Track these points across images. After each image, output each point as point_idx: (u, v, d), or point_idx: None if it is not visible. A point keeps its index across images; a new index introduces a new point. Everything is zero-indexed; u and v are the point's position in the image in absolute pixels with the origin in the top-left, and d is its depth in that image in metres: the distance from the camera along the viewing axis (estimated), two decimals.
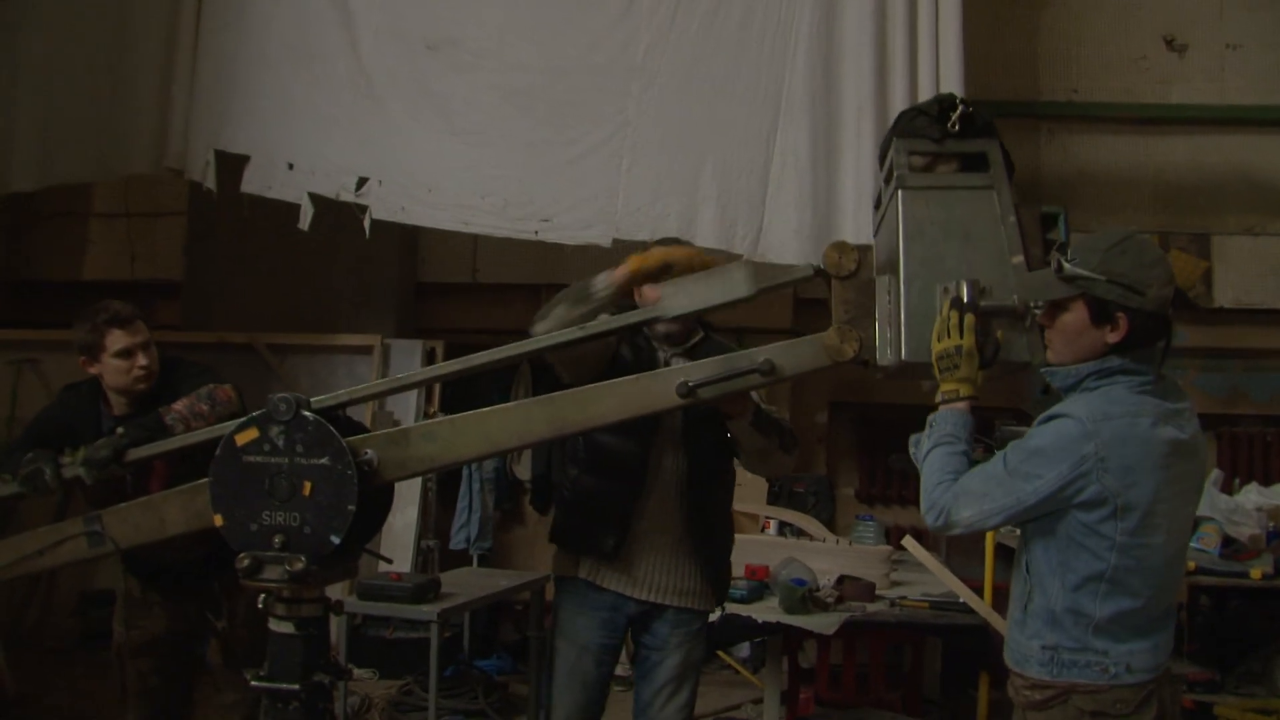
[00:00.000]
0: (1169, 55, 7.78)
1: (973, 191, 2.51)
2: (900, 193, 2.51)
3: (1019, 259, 2.47)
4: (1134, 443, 2.33)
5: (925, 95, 5.29)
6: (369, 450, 2.69)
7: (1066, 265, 2.37)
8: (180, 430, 3.17)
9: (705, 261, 2.86)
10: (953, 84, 5.26)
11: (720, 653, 6.45)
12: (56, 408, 3.58)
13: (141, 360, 3.43)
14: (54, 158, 5.99)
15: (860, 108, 5.27)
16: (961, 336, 2.40)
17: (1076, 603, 2.38)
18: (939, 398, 2.49)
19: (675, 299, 2.72)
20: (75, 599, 7.11)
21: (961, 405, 2.46)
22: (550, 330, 2.89)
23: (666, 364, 3.31)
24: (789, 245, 5.29)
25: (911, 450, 2.59)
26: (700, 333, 3.41)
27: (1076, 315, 2.40)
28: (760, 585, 4.73)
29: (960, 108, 2.54)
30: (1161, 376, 2.43)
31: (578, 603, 3.39)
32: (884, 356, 2.55)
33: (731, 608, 4.50)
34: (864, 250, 2.64)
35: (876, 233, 2.78)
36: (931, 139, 2.53)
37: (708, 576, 3.35)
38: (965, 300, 2.40)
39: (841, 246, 2.62)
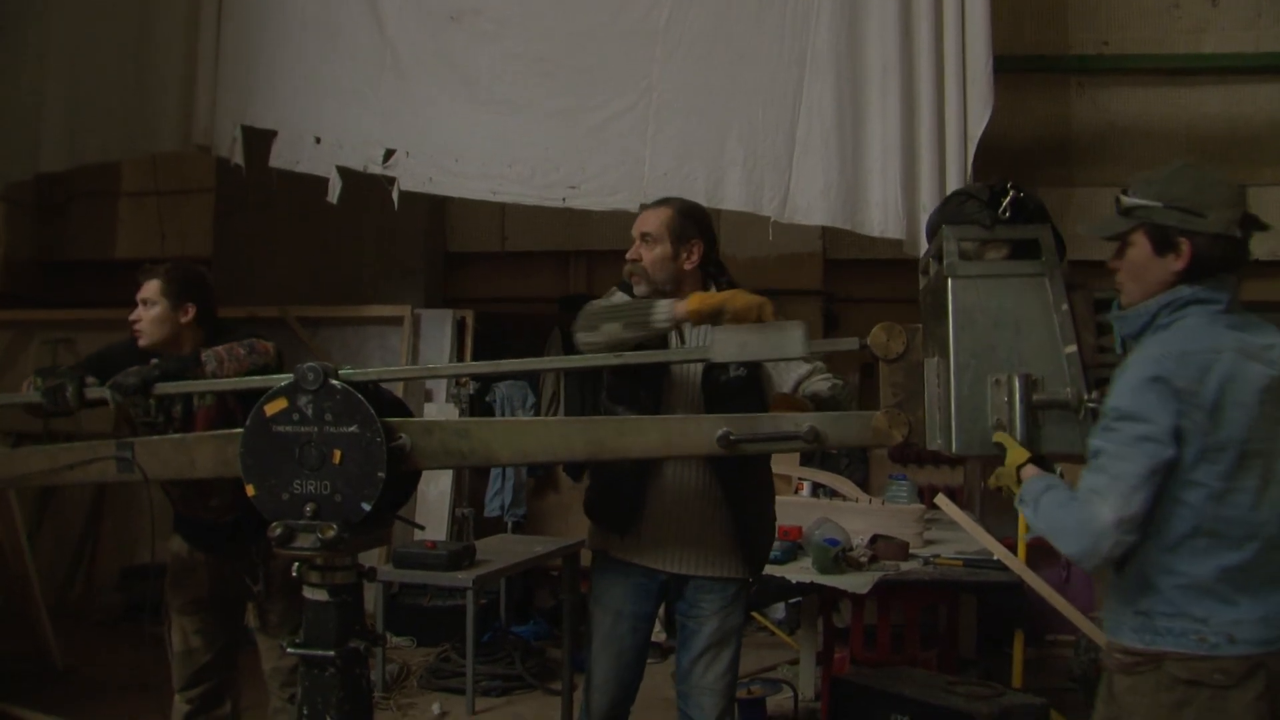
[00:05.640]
0: (1202, 3, 7.64)
1: (1024, 279, 2.44)
2: (950, 281, 2.44)
3: (1072, 349, 2.40)
4: (1219, 378, 2.21)
5: (951, 51, 5.23)
6: (403, 435, 2.71)
7: (1124, 198, 2.31)
8: (212, 368, 3.26)
9: (764, 313, 2.85)
10: (979, 39, 5.20)
11: (755, 614, 6.47)
12: (118, 345, 3.64)
13: (135, 314, 3.52)
14: (82, 138, 6.06)
15: (885, 66, 5.22)
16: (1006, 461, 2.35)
17: (1172, 564, 2.24)
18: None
19: (725, 346, 2.72)
20: (117, 574, 7.23)
21: (1030, 469, 2.34)
22: (596, 344, 2.99)
23: (684, 333, 3.31)
24: (816, 207, 5.26)
25: (1028, 515, 2.41)
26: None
27: (1139, 248, 2.32)
28: (794, 546, 4.74)
29: (1011, 193, 2.48)
30: (1243, 309, 2.32)
31: (612, 571, 3.40)
32: (933, 442, 2.51)
33: (765, 569, 4.51)
34: (912, 332, 2.61)
35: (922, 300, 2.73)
36: (982, 225, 2.47)
37: (740, 544, 3.32)
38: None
39: (890, 329, 2.60)
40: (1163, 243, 2.29)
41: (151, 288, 3.54)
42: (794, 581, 4.46)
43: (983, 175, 5.19)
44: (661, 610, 3.54)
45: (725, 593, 3.34)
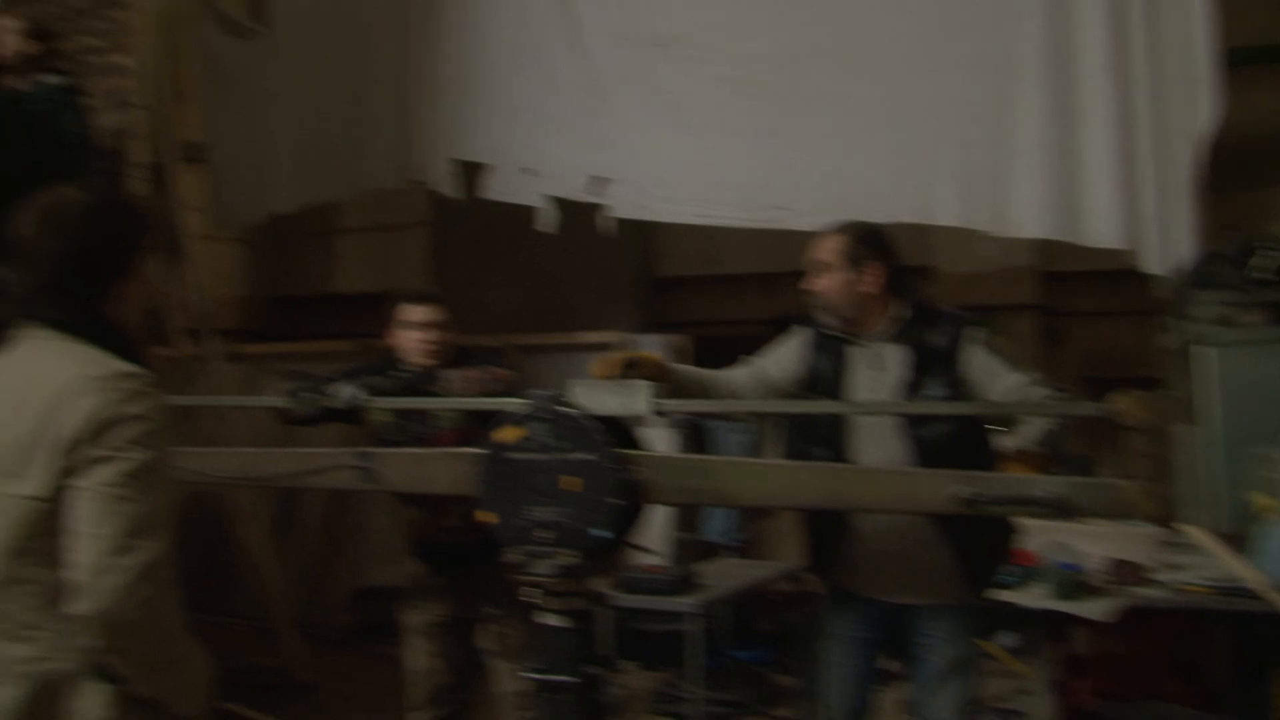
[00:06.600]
0: None
1: None
2: (1204, 350, 2.31)
3: None
4: None
5: (1171, 48, 4.95)
6: (638, 467, 2.71)
7: None
8: (451, 389, 3.48)
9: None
10: (1202, 31, 4.92)
11: (984, 642, 6.26)
12: (364, 365, 3.87)
13: (422, 335, 3.70)
14: (307, 179, 6.37)
15: (1098, 68, 4.97)
16: None
17: None
18: None
19: (582, 396, 2.77)
20: (350, 594, 7.52)
21: None
22: None
23: (878, 358, 3.24)
24: (1031, 219, 5.06)
25: None
26: (907, 313, 3.28)
27: None
28: (1027, 570, 4.56)
29: (1270, 253, 2.32)
30: None
31: (834, 596, 3.37)
32: (1191, 517, 2.36)
33: (995, 594, 4.36)
34: (1162, 399, 2.44)
35: (1167, 361, 2.58)
36: (1236, 289, 2.33)
37: (964, 567, 3.21)
38: None
39: (1139, 398, 2.44)
40: None
41: (432, 312, 3.80)
42: (1028, 608, 4.30)
43: (1209, 178, 4.93)
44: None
45: (951, 619, 3.24)
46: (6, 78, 4.88)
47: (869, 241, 3.28)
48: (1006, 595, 4.33)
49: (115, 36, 6.65)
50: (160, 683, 2.05)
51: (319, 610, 7.61)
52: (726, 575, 5.36)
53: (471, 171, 5.86)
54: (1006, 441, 3.16)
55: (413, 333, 3.75)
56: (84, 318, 2.14)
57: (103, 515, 1.95)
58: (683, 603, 4.81)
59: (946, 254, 7.07)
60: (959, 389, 3.15)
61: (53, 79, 4.96)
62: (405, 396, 3.34)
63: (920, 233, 5.04)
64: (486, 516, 2.77)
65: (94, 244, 2.16)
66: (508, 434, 2.75)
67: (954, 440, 3.10)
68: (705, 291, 8.37)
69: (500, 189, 5.79)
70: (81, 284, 2.15)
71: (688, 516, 7.14)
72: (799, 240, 6.05)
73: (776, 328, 3.67)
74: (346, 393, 3.20)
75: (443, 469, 2.97)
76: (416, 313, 3.76)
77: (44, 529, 1.98)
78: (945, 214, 5.17)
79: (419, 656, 3.82)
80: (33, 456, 1.99)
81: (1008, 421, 3.14)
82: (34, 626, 2.00)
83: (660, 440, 6.75)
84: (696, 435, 6.96)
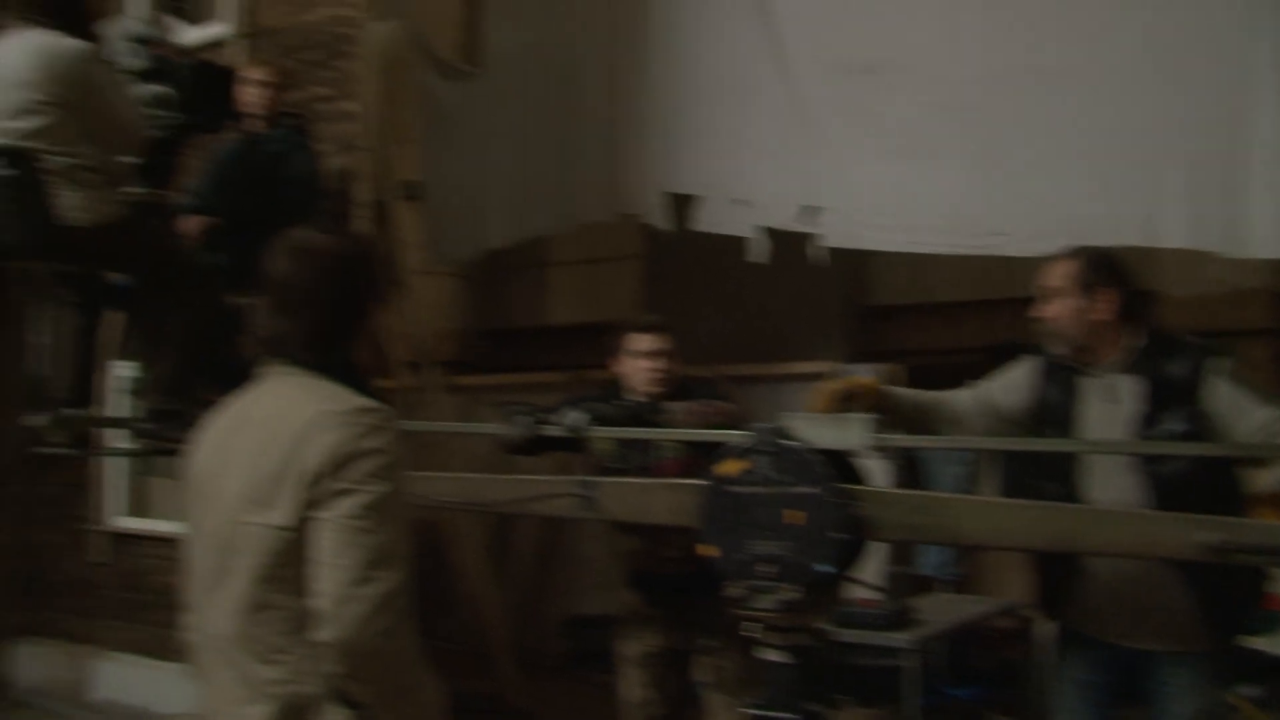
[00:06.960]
0: None
1: None
2: None
3: None
4: None
5: None
6: (861, 503, 2.67)
7: None
8: (675, 420, 3.50)
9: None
10: None
11: (1228, 692, 5.90)
12: (587, 394, 3.92)
13: (650, 364, 3.72)
14: (520, 215, 6.54)
15: None
16: None
17: None
18: None
19: (801, 429, 2.74)
20: (565, 622, 7.61)
21: None
22: None
23: (1111, 389, 3.09)
24: (1268, 239, 4.79)
25: None
26: (1141, 342, 3.13)
27: None
28: (1276, 615, 4.29)
29: None
30: None
31: (1066, 637, 3.26)
32: None
33: (1240, 640, 4.10)
34: None
35: None
36: None
37: (1204, 612, 3.03)
38: None
39: None
40: None
41: (660, 341, 3.92)
42: (1276, 656, 4.05)
43: None
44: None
45: (1193, 667, 3.07)
46: (250, 122, 5.37)
47: (1102, 266, 3.17)
48: (1254, 642, 4.07)
49: (342, 85, 7.04)
50: (398, 709, 2.12)
51: (534, 637, 7.74)
52: (943, 610, 5.22)
53: (682, 203, 5.90)
54: (1258, 482, 2.97)
55: (640, 362, 3.81)
56: (325, 355, 2.24)
57: (344, 546, 2.03)
58: (898, 638, 4.70)
59: (1173, 276, 6.73)
60: (1200, 424, 2.98)
61: (288, 122, 5.36)
62: (630, 426, 3.38)
63: (1145, 254, 4.81)
64: (708, 550, 2.77)
65: (342, 289, 2.27)
66: (730, 466, 2.75)
67: (1194, 479, 2.94)
68: (918, 320, 8.19)
69: (711, 220, 5.81)
70: (329, 324, 2.25)
71: (902, 550, 7.00)
72: (1015, 267, 5.92)
73: (995, 356, 3.58)
74: (570, 418, 3.26)
75: (664, 499, 2.99)
76: (644, 342, 3.82)
77: (291, 558, 2.07)
78: (1172, 235, 4.93)
79: (633, 687, 3.85)
80: (280, 488, 2.09)
81: (1257, 461, 2.96)
82: (282, 650, 2.09)
83: (874, 468, 6.68)
84: (911, 464, 6.81)
